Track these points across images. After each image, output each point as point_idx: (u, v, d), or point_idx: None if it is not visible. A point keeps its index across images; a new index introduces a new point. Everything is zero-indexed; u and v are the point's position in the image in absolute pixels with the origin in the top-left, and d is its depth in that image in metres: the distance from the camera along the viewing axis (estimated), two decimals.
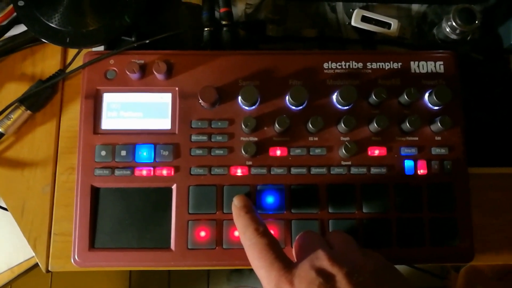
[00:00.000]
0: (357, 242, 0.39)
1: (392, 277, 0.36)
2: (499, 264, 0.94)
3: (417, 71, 0.47)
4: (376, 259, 0.37)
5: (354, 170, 0.45)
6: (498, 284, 0.91)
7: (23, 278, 0.69)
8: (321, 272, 0.34)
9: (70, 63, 0.50)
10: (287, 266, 0.36)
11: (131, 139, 0.45)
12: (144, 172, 0.45)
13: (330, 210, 0.44)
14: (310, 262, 0.35)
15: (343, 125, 0.44)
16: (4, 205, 0.51)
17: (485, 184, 0.49)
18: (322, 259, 0.35)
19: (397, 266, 0.38)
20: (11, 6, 0.51)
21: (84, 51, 0.48)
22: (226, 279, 1.34)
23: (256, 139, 0.45)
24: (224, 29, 0.50)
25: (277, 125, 0.44)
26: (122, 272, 1.32)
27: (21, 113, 0.49)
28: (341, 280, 0.33)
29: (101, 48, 0.49)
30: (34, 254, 0.49)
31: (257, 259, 0.37)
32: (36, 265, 0.67)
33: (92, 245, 0.44)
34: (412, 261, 0.44)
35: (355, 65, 0.47)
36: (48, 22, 0.46)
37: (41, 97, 0.50)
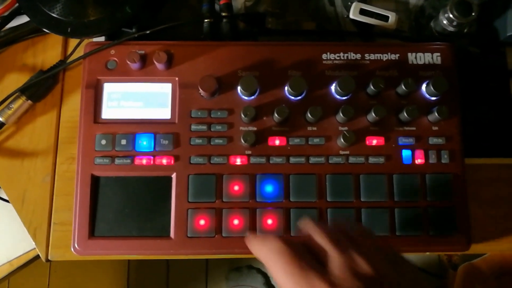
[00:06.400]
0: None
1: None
2: (496, 263, 0.94)
3: (415, 62, 0.47)
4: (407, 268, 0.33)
5: (352, 160, 0.45)
6: (496, 283, 0.92)
7: (21, 274, 0.69)
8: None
9: (71, 54, 0.50)
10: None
11: (131, 128, 0.46)
12: (144, 161, 0.45)
13: (328, 199, 0.45)
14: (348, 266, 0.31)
15: (341, 114, 0.44)
16: (4, 197, 0.51)
17: (481, 175, 0.50)
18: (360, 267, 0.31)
19: None
20: None
21: (85, 41, 0.49)
22: (224, 278, 1.34)
23: (255, 128, 0.46)
24: (224, 21, 0.51)
25: (276, 115, 0.44)
26: (120, 272, 1.31)
27: (21, 103, 0.49)
28: None
29: (101, 39, 0.50)
30: (33, 245, 0.49)
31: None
32: (35, 258, 0.67)
33: (92, 234, 0.44)
34: (409, 249, 0.45)
35: (353, 56, 0.47)
36: (49, 12, 0.47)
37: (42, 87, 0.50)
